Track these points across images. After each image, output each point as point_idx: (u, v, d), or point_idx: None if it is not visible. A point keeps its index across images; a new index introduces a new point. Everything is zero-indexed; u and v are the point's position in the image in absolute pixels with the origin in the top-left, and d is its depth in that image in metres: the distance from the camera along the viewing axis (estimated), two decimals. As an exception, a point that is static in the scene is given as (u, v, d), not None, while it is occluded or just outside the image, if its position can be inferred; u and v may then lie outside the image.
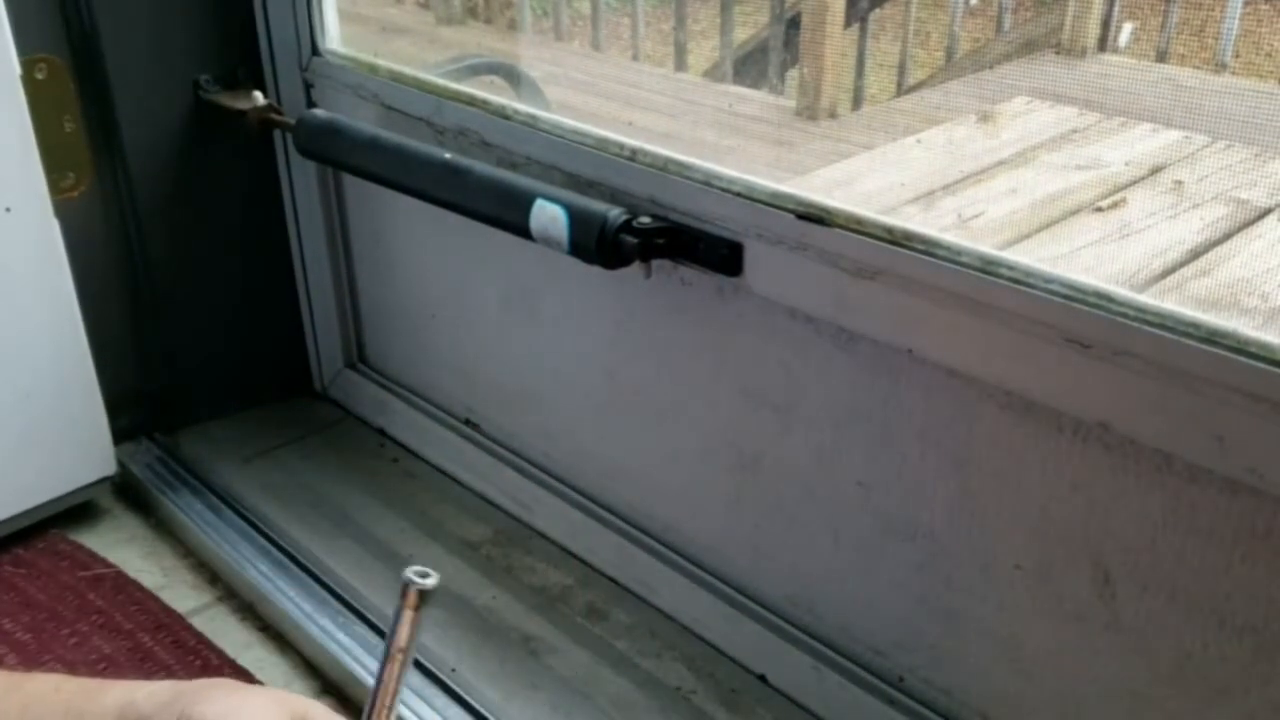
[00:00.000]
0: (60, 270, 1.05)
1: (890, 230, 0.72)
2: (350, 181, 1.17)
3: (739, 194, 0.80)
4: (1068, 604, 0.73)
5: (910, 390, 0.76)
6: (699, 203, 0.82)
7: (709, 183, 0.81)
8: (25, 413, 1.06)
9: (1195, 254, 1.31)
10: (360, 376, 1.28)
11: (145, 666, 0.95)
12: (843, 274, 0.75)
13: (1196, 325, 0.61)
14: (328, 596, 1.00)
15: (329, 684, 0.94)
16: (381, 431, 1.25)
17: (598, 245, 0.82)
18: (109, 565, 1.07)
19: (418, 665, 0.92)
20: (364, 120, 1.04)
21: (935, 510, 0.78)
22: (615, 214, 0.82)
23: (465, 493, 1.15)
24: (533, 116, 0.95)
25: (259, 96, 1.10)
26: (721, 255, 0.81)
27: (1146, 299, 0.63)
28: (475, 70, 1.51)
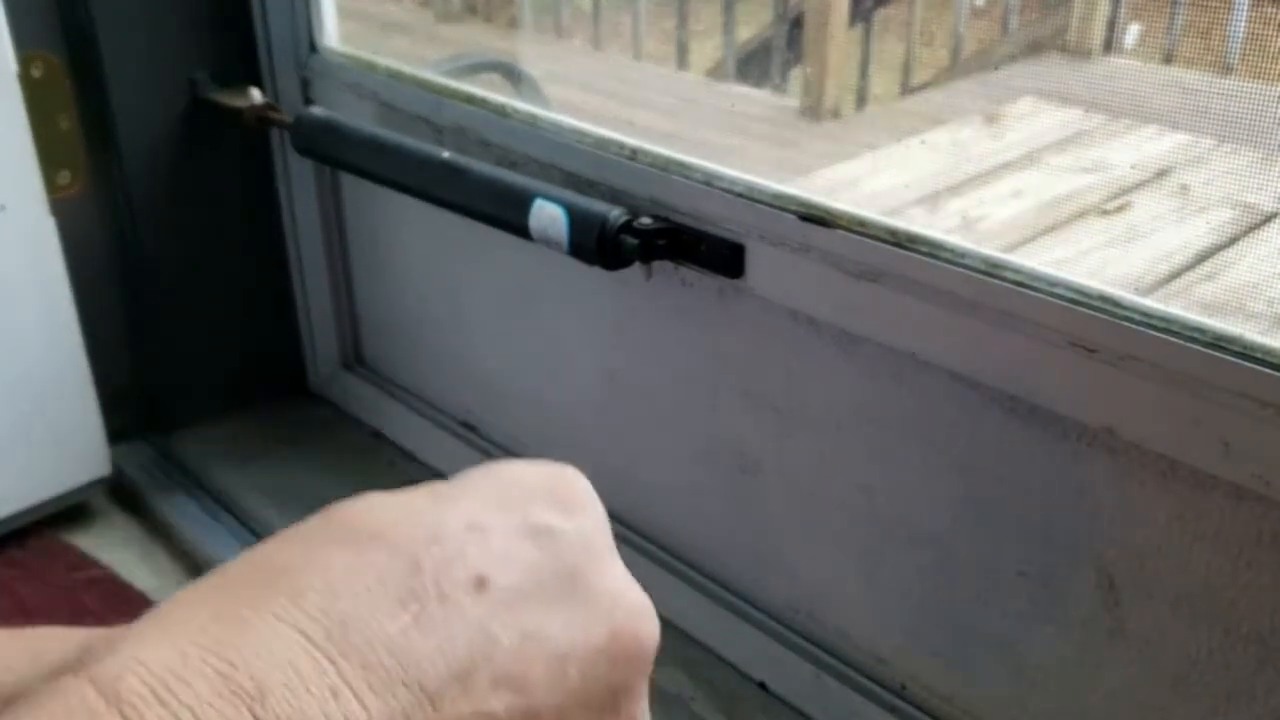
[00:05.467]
0: (56, 269, 1.04)
1: (894, 232, 0.72)
2: (348, 180, 1.17)
3: (741, 195, 0.79)
4: (1072, 611, 0.72)
5: (913, 394, 0.75)
6: (700, 203, 0.81)
7: (710, 183, 0.81)
8: (19, 412, 1.05)
9: (1201, 258, 1.30)
10: (357, 377, 1.27)
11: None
12: (846, 276, 0.74)
13: (1202, 330, 0.60)
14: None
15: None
16: (378, 433, 1.24)
17: (598, 246, 0.81)
18: (102, 567, 1.06)
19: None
20: (362, 119, 1.04)
21: (938, 515, 0.77)
22: (615, 214, 0.81)
23: (463, 495, 1.14)
24: (532, 115, 0.94)
25: (256, 94, 1.09)
26: (723, 256, 0.80)
27: (1152, 303, 0.62)
28: (475, 68, 1.50)
